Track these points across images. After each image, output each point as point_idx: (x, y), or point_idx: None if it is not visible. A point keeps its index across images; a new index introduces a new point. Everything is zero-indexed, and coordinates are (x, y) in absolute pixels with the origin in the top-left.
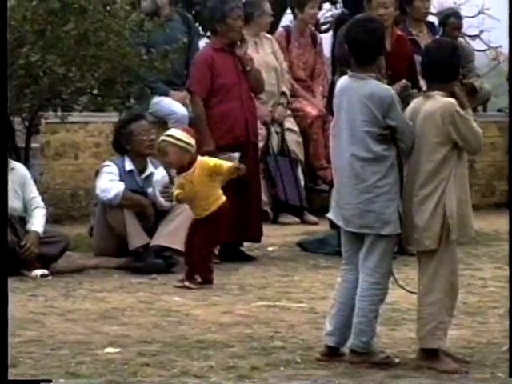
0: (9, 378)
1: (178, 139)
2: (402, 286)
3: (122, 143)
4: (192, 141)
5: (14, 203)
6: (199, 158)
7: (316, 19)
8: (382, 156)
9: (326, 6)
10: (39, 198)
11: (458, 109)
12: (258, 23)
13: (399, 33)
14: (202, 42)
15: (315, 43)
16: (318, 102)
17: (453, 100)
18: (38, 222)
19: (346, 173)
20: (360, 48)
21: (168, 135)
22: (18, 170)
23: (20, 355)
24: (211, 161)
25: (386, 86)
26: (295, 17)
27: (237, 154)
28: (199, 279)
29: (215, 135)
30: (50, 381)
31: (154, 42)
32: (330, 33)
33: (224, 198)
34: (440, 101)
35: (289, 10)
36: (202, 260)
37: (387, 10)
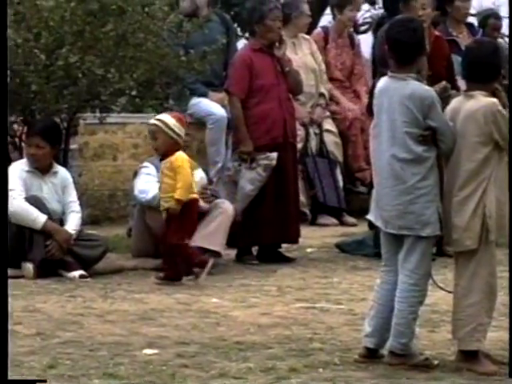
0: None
1: (169, 127)
2: (440, 287)
3: None
4: (182, 131)
5: (54, 205)
6: (179, 152)
7: (354, 21)
8: (423, 157)
9: (365, 6)
10: (77, 203)
11: (500, 108)
12: (296, 24)
13: (437, 33)
14: (241, 43)
15: (353, 44)
16: (362, 103)
17: (495, 99)
18: (70, 225)
19: (385, 174)
20: (400, 48)
21: (160, 121)
22: (60, 174)
23: (59, 356)
24: (181, 161)
25: (427, 87)
26: (334, 17)
27: (274, 154)
28: (161, 274)
29: (254, 136)
30: (45, 381)
31: (192, 42)
32: (369, 34)
33: (193, 196)
34: (482, 100)
35: (327, 11)
36: (168, 255)
37: (425, 10)
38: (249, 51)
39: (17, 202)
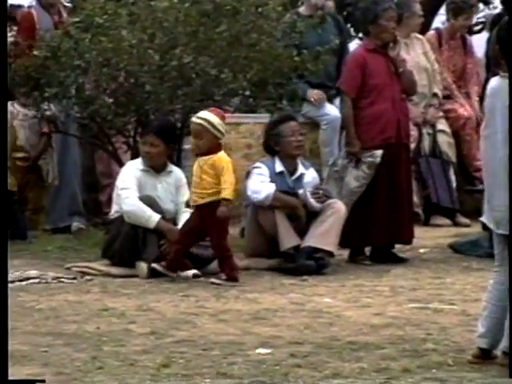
0: (10, 378)
1: (214, 127)
2: None
3: (272, 144)
4: (225, 129)
5: (168, 205)
6: (222, 153)
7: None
8: None
9: (479, 6)
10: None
11: None
12: (408, 24)
13: None
14: (354, 44)
15: (465, 44)
16: (472, 103)
17: None
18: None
19: (498, 175)
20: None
21: (206, 120)
22: (175, 173)
23: (172, 355)
24: (226, 162)
25: None
26: (448, 20)
27: (379, 152)
28: (224, 276)
29: (367, 136)
30: (44, 381)
31: (307, 43)
32: (483, 33)
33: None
34: None
35: (441, 11)
36: (222, 258)
37: None
38: (363, 51)
39: (130, 201)
